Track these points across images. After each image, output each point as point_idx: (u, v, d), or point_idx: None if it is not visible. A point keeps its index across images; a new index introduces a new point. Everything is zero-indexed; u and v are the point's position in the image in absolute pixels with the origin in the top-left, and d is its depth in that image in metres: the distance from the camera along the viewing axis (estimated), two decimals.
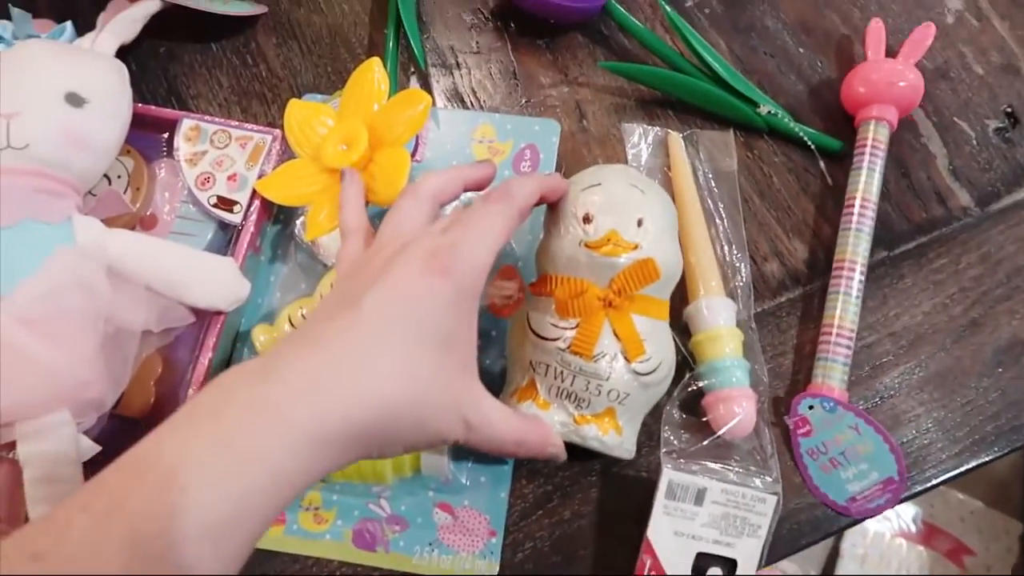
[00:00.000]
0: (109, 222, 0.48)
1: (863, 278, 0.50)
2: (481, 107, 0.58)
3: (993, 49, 0.59)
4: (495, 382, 0.48)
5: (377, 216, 0.51)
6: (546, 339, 0.43)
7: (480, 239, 0.37)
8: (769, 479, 0.46)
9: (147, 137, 0.54)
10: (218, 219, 0.51)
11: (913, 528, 1.13)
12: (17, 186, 0.44)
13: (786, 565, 1.16)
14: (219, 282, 0.47)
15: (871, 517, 0.47)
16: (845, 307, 0.49)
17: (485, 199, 0.39)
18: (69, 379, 0.40)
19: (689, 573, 0.43)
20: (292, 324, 0.48)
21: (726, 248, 0.52)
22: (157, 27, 0.58)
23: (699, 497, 0.44)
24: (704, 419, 0.47)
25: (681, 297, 0.50)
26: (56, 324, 0.41)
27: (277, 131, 0.52)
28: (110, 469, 0.29)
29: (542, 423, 0.41)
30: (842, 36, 0.60)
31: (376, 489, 0.47)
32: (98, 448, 0.43)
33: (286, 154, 0.53)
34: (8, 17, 0.51)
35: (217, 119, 0.53)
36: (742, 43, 0.60)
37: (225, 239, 0.52)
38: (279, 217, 0.55)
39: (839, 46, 0.60)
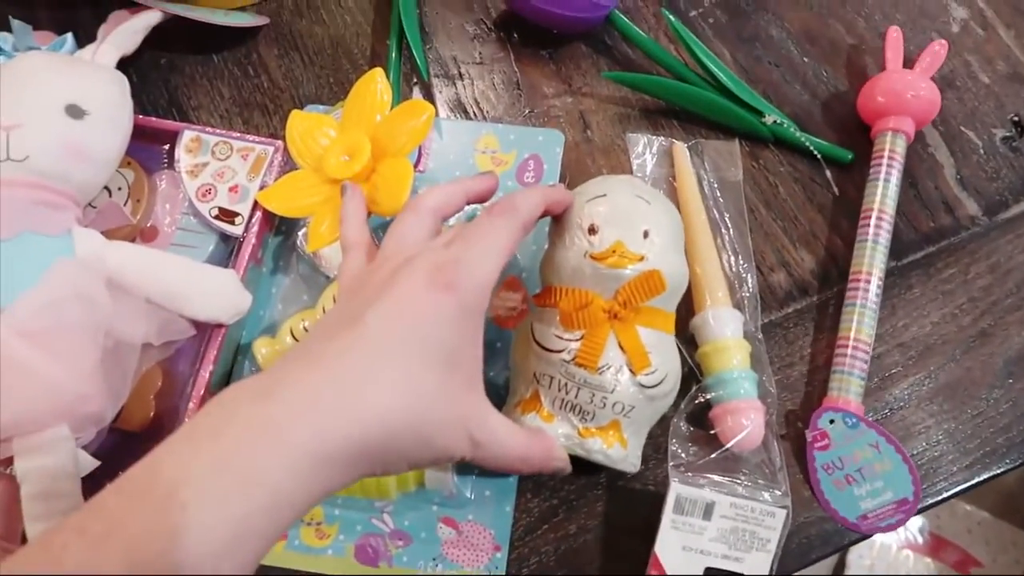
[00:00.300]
0: (109, 234, 0.47)
1: (880, 290, 0.49)
2: (484, 117, 0.58)
3: (999, 58, 0.58)
4: (499, 393, 0.48)
5: (380, 228, 0.51)
6: (550, 351, 0.43)
7: (485, 253, 0.37)
8: (778, 492, 0.45)
9: (148, 148, 0.53)
10: (219, 231, 0.50)
11: (920, 539, 1.12)
12: (17, 198, 0.44)
13: None
14: (220, 294, 0.47)
15: (880, 533, 0.46)
16: (862, 319, 0.48)
17: (489, 212, 0.39)
18: (68, 393, 0.40)
19: None
20: (294, 337, 0.47)
21: (732, 258, 0.51)
22: (158, 38, 0.57)
23: (707, 511, 0.43)
24: (712, 432, 0.47)
25: (687, 308, 0.50)
26: (55, 337, 0.40)
27: (279, 142, 0.52)
28: (108, 491, 0.28)
29: (547, 437, 0.41)
30: (848, 46, 0.60)
31: (379, 504, 0.47)
32: (97, 463, 0.42)
33: (288, 165, 0.53)
34: (8, 29, 0.51)
35: (218, 130, 0.52)
36: (746, 53, 0.60)
37: (226, 251, 0.51)
38: (281, 228, 0.54)
39: (845, 56, 0.60)
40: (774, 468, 0.46)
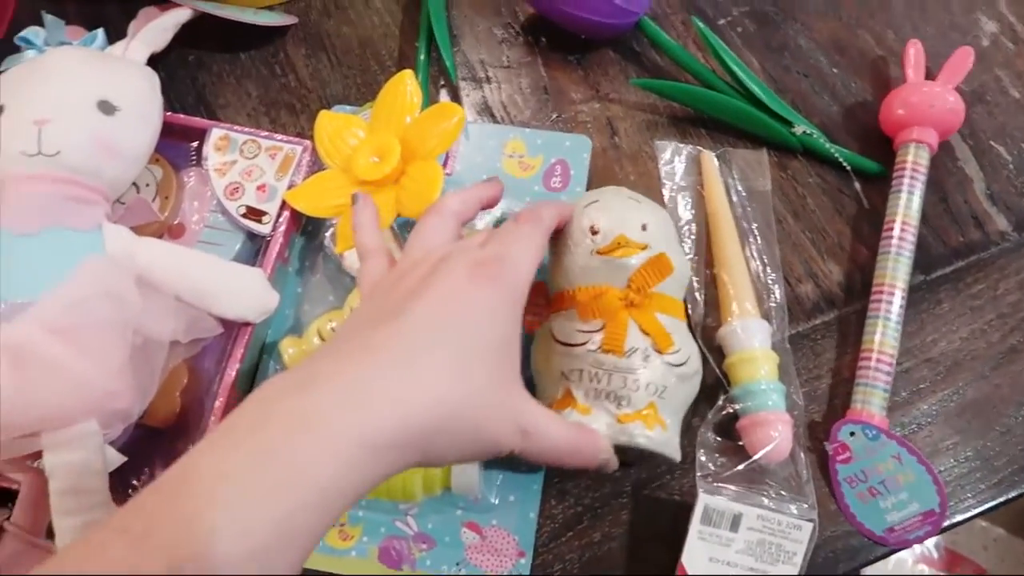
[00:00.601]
0: (137, 230, 0.47)
1: (903, 302, 0.49)
2: (511, 122, 0.58)
3: None
4: None
5: (404, 227, 0.51)
6: (574, 345, 0.43)
7: (523, 253, 0.38)
8: (805, 505, 0.45)
9: (176, 146, 0.53)
10: (247, 229, 0.50)
11: (935, 555, 1.11)
12: (48, 193, 0.44)
13: None
14: (248, 293, 0.46)
15: (908, 547, 0.46)
16: (885, 332, 0.48)
17: (517, 220, 0.40)
18: (97, 389, 0.40)
19: None
20: (321, 337, 0.47)
21: (760, 269, 0.51)
22: (187, 36, 0.58)
23: (735, 523, 0.43)
24: (739, 443, 0.46)
25: (715, 318, 0.50)
26: (85, 333, 0.40)
27: (307, 142, 0.52)
28: (148, 490, 0.28)
29: (593, 431, 0.40)
30: (877, 57, 0.60)
31: (403, 506, 0.46)
32: (123, 459, 0.42)
33: (315, 165, 0.53)
34: (40, 23, 0.51)
35: (247, 129, 0.52)
36: (775, 62, 0.60)
37: (253, 249, 0.51)
38: (307, 228, 0.54)
39: (874, 67, 0.59)
40: (801, 481, 0.46)
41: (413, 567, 0.45)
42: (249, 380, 0.50)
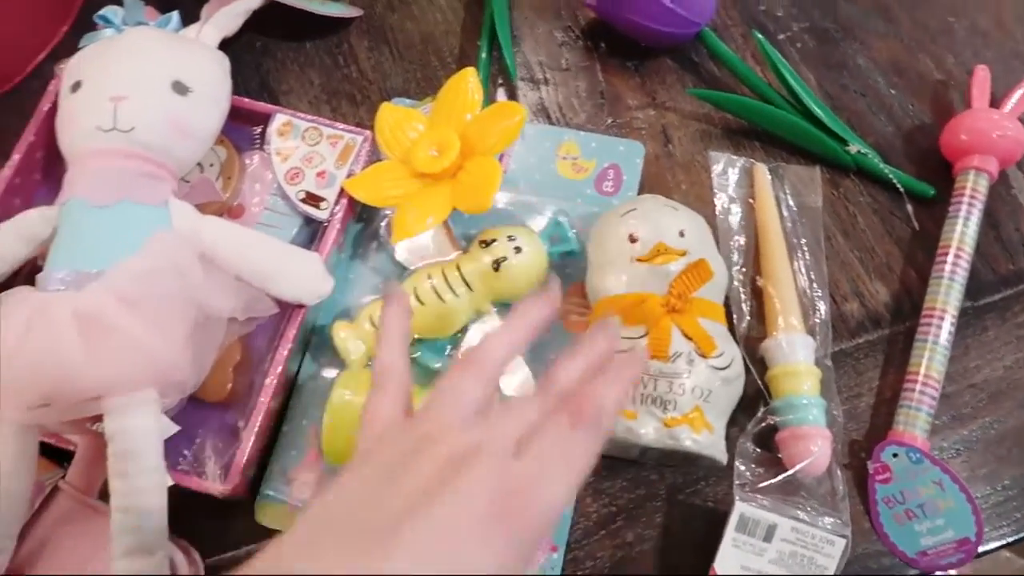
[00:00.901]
0: (199, 209, 0.48)
1: (952, 328, 0.49)
2: (567, 124, 0.58)
3: None
4: None
5: (463, 224, 0.52)
6: (619, 351, 0.44)
7: (562, 480, 0.30)
8: (839, 521, 0.45)
9: (240, 129, 0.55)
10: (305, 214, 0.51)
11: None
12: (121, 168, 0.45)
13: None
14: (306, 276, 0.48)
15: (939, 571, 0.46)
16: (933, 356, 0.48)
17: (574, 424, 0.31)
18: (160, 360, 0.41)
19: None
20: (373, 324, 0.48)
21: (806, 284, 0.51)
22: (254, 22, 0.59)
23: (769, 533, 0.43)
24: (777, 454, 0.47)
25: (760, 330, 0.50)
26: (151, 305, 0.41)
27: (368, 133, 0.53)
28: None
29: None
30: (936, 81, 0.60)
31: None
32: (177, 428, 0.43)
33: (373, 156, 0.54)
34: (119, 2, 0.53)
35: (309, 116, 0.54)
36: (832, 80, 0.60)
37: (309, 234, 0.53)
38: (361, 217, 0.55)
39: (932, 91, 0.59)
40: (836, 496, 0.46)
41: None
42: (298, 360, 0.51)
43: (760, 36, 0.56)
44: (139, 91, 0.46)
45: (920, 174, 0.56)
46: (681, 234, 0.46)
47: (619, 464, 0.48)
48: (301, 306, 0.49)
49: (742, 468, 0.46)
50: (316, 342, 0.52)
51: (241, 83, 0.60)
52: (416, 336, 0.49)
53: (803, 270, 0.52)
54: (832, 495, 0.46)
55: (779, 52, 0.58)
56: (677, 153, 0.57)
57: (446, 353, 0.50)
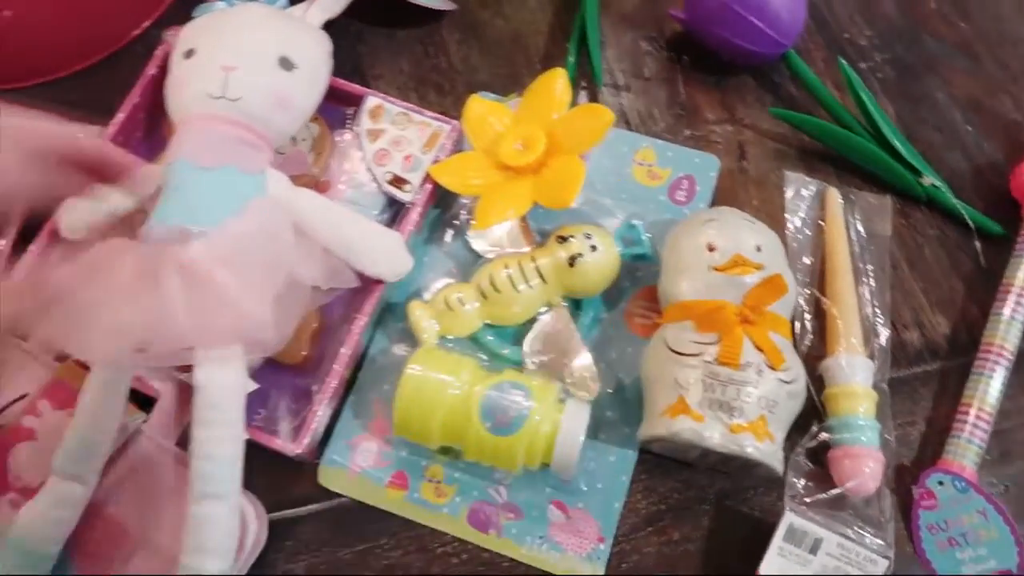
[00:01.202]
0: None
1: (1009, 366, 0.50)
2: (645, 132, 0.60)
3: None
4: (635, 402, 0.50)
5: (536, 218, 0.53)
6: (690, 355, 0.45)
7: None
8: (883, 543, 0.46)
9: (332, 108, 0.57)
10: (389, 195, 0.53)
11: None
12: (226, 134, 0.47)
13: None
14: (388, 254, 0.50)
15: None
16: (987, 391, 0.49)
17: None
18: (250, 319, 0.43)
19: None
20: (448, 306, 0.50)
21: (869, 309, 0.53)
22: (351, 8, 0.61)
23: (815, 546, 0.45)
24: (828, 471, 0.48)
25: (813, 345, 0.51)
26: (246, 267, 0.44)
27: (455, 122, 0.55)
28: None
29: None
30: (1011, 121, 0.60)
31: (497, 475, 0.49)
32: (256, 385, 0.45)
33: (458, 145, 0.56)
34: None
35: (400, 102, 0.56)
36: (910, 112, 0.61)
37: (391, 215, 0.55)
38: (438, 203, 0.57)
39: (1007, 131, 0.60)
40: (883, 518, 0.47)
41: (500, 534, 0.48)
42: (369, 334, 0.53)
43: (845, 63, 0.57)
44: (249, 63, 0.48)
45: (989, 211, 0.56)
46: (758, 248, 0.48)
47: (671, 465, 0.50)
48: (379, 282, 0.51)
49: (794, 480, 0.48)
50: (387, 318, 0.54)
51: (335, 64, 0.62)
52: (487, 321, 0.51)
53: (867, 295, 0.53)
54: (878, 517, 0.47)
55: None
56: (751, 169, 0.59)
57: (516, 340, 0.52)
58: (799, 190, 0.56)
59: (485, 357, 0.51)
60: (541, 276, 0.50)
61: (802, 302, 0.52)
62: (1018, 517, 0.48)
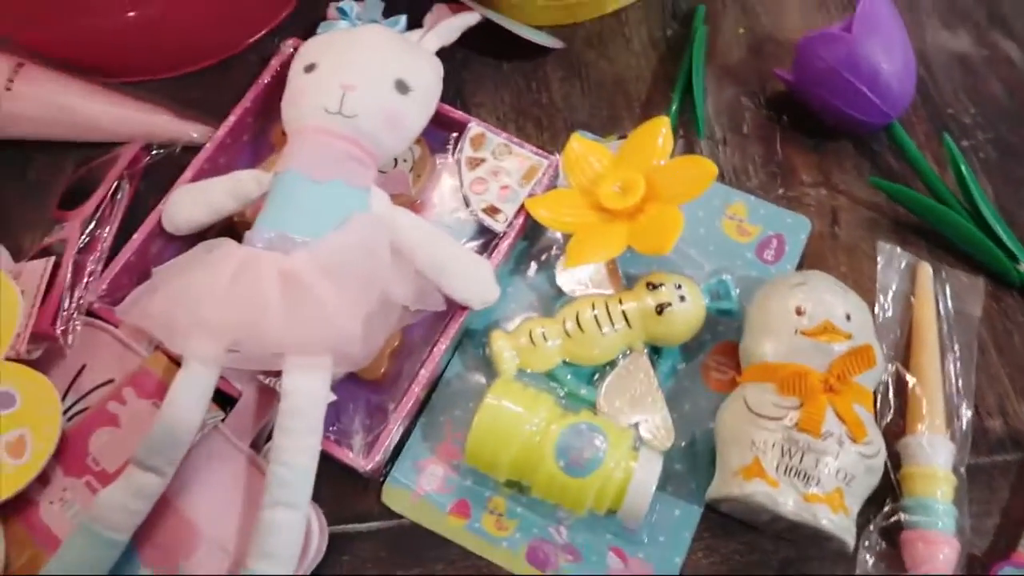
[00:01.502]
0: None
1: None
2: (739, 186, 0.60)
3: None
4: (705, 457, 0.50)
5: (623, 262, 0.53)
6: (770, 418, 0.45)
7: None
8: None
9: (435, 132, 0.58)
10: (482, 223, 0.54)
11: None
12: (338, 149, 0.49)
13: None
14: (478, 281, 0.51)
15: None
16: None
17: None
18: (343, 331, 0.44)
19: None
20: (532, 340, 0.50)
21: (952, 390, 0.52)
22: (461, 35, 0.62)
23: None
24: (898, 552, 0.47)
25: (894, 420, 0.51)
26: (344, 279, 0.45)
27: (554, 158, 0.56)
28: None
29: None
30: None
31: (560, 515, 0.49)
32: (335, 397, 0.46)
33: (555, 181, 0.56)
34: None
35: (502, 133, 0.57)
36: (1011, 195, 0.60)
37: (481, 243, 0.55)
38: (527, 236, 0.58)
39: None
40: None
41: (557, 573, 0.48)
42: (447, 359, 0.53)
43: (949, 139, 0.57)
44: (367, 83, 0.50)
45: None
46: (848, 317, 0.47)
47: (736, 526, 0.49)
48: (464, 308, 0.51)
49: (865, 558, 0.47)
50: (465, 344, 0.54)
51: None
52: (566, 359, 0.51)
53: (952, 376, 0.52)
54: None
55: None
56: (842, 235, 0.58)
57: (592, 381, 0.52)
58: (891, 261, 0.56)
59: (560, 394, 0.51)
60: (627, 320, 0.50)
61: (886, 376, 0.52)
62: None
